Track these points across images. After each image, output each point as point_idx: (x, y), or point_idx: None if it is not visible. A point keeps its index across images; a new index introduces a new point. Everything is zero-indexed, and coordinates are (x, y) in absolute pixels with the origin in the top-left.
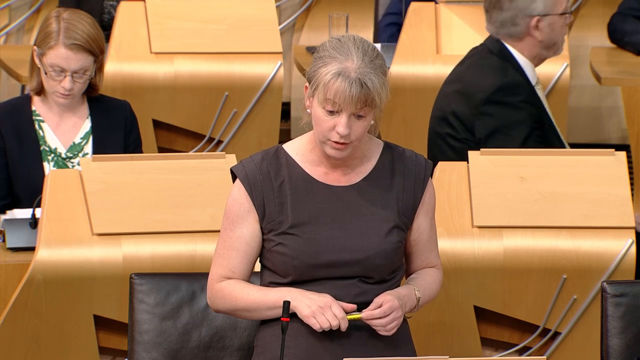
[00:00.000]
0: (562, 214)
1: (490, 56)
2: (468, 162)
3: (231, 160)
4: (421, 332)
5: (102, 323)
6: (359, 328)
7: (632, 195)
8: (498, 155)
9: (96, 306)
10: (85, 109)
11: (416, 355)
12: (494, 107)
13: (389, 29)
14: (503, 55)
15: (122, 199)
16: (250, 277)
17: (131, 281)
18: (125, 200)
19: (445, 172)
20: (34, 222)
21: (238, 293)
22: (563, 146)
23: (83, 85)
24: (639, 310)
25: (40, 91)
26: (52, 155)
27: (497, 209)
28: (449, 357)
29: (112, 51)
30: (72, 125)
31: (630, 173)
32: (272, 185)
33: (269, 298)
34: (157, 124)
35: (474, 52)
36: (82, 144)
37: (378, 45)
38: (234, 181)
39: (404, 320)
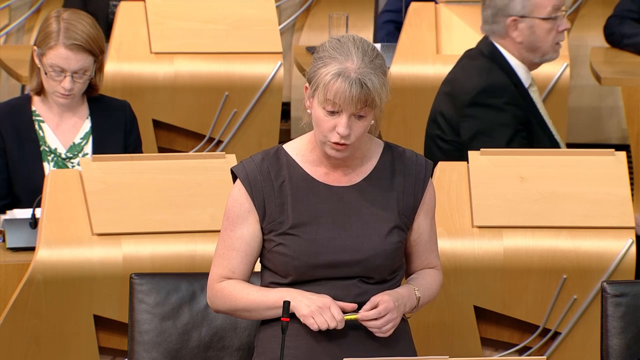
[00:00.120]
0: (562, 214)
1: (480, 57)
2: (468, 162)
3: (231, 160)
4: (421, 332)
5: (102, 323)
6: (358, 328)
7: (632, 195)
8: (498, 155)
9: (96, 306)
10: (85, 109)
11: (416, 355)
12: (477, 110)
13: (387, 26)
14: (493, 56)
15: (122, 199)
16: (251, 278)
17: (131, 281)
18: (125, 200)
19: (445, 172)
20: (34, 222)
21: (238, 293)
22: (557, 147)
23: (83, 86)
24: (639, 310)
25: (40, 91)
26: (52, 155)
27: (497, 209)
28: (449, 357)
29: (112, 51)
30: (72, 126)
31: (630, 173)
32: (272, 185)
33: (268, 298)
34: (157, 124)
35: (467, 53)
36: (82, 144)
37: (378, 46)
38: (234, 181)
39: (404, 320)
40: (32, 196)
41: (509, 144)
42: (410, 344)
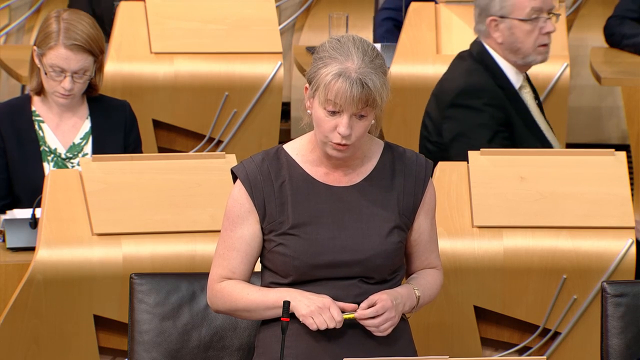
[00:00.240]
0: (562, 214)
1: (468, 58)
2: (468, 162)
3: (231, 160)
4: (421, 332)
5: (102, 323)
6: (358, 328)
7: (632, 195)
8: (498, 155)
9: (96, 306)
10: (85, 109)
11: (416, 355)
12: (457, 111)
13: (386, 24)
14: (480, 57)
15: (122, 199)
16: (251, 278)
17: (131, 281)
18: (125, 200)
19: (445, 172)
20: (34, 222)
21: (238, 293)
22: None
23: (83, 86)
24: (639, 310)
25: (40, 91)
26: (52, 155)
27: (497, 209)
28: (449, 357)
29: (112, 51)
30: (71, 126)
31: (630, 173)
32: (272, 185)
33: (268, 298)
34: (157, 124)
35: (459, 54)
36: (82, 144)
37: (378, 45)
38: (234, 182)
39: (404, 320)
40: (32, 196)
41: (488, 145)
42: (410, 344)
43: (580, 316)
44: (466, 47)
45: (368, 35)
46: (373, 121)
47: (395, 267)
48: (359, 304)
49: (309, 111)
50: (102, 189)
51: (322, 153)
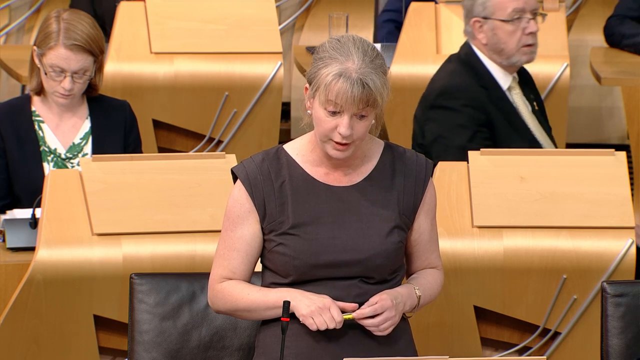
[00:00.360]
0: (562, 214)
1: (455, 60)
2: (468, 162)
3: (231, 160)
4: (421, 332)
5: (102, 323)
6: (359, 328)
7: (632, 195)
8: (498, 155)
9: (96, 306)
10: (85, 109)
11: (417, 355)
12: (437, 112)
13: (387, 25)
14: (467, 58)
15: (122, 199)
16: (252, 278)
17: (131, 281)
18: (125, 200)
19: (445, 172)
20: (34, 222)
21: (238, 293)
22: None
23: (83, 86)
24: (639, 310)
25: (40, 91)
26: (52, 155)
27: (497, 209)
28: (449, 357)
29: (112, 51)
30: (71, 126)
31: (630, 173)
32: (272, 185)
33: (268, 298)
34: (157, 124)
35: (449, 57)
36: (82, 144)
37: (378, 45)
38: (234, 182)
39: (405, 320)
40: (32, 196)
41: (468, 145)
42: (410, 344)
43: (580, 316)
44: None
45: (368, 35)
46: (373, 121)
47: (395, 267)
48: (359, 304)
49: (309, 111)
50: (102, 189)
51: (322, 153)
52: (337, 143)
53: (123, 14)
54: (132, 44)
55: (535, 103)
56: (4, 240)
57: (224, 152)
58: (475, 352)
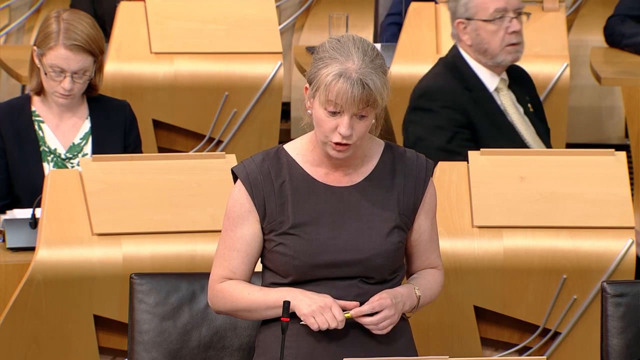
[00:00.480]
0: (562, 214)
1: (441, 62)
2: (468, 162)
3: (231, 160)
4: (421, 332)
5: (102, 323)
6: (359, 327)
7: (632, 195)
8: (498, 155)
9: (96, 306)
10: (84, 109)
11: (417, 355)
12: (417, 114)
13: (390, 28)
14: (453, 60)
15: (122, 199)
16: (252, 278)
17: (131, 281)
18: (125, 200)
19: (445, 172)
20: (34, 222)
21: (238, 293)
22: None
23: (83, 86)
24: (639, 310)
25: (40, 91)
26: (52, 155)
27: (497, 209)
28: (449, 357)
29: (112, 51)
30: (71, 126)
31: (630, 173)
32: (272, 185)
33: (269, 298)
34: (157, 124)
35: (439, 59)
36: (82, 144)
37: (378, 45)
38: (234, 182)
39: (405, 320)
40: (32, 196)
41: (445, 147)
42: (410, 343)
43: (580, 316)
44: None
45: (368, 35)
46: (373, 121)
47: (395, 267)
48: (360, 304)
49: (309, 111)
50: (102, 189)
51: (322, 153)
52: (337, 144)
53: (123, 14)
54: (132, 44)
55: (530, 104)
56: (4, 240)
57: (224, 152)
58: (475, 352)
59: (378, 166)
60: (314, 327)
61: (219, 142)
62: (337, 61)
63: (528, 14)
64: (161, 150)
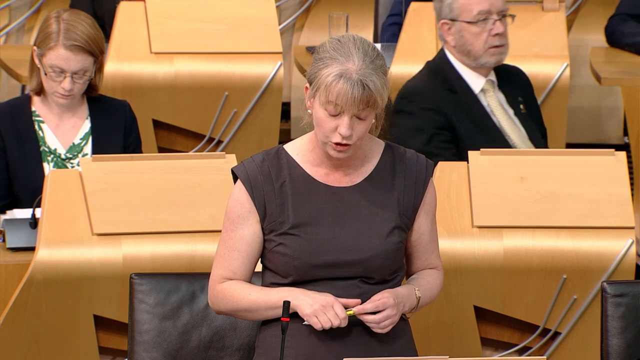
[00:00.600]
0: (562, 214)
1: (427, 64)
2: (468, 162)
3: (231, 160)
4: (421, 332)
5: (102, 323)
6: (360, 327)
7: (632, 195)
8: (498, 155)
9: (96, 306)
10: (85, 110)
11: (417, 355)
12: (398, 117)
13: (391, 28)
14: (439, 62)
15: (122, 199)
16: (252, 278)
17: (131, 281)
18: (125, 200)
19: (445, 172)
20: (34, 222)
21: (239, 294)
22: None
23: (83, 86)
24: (639, 310)
25: (40, 91)
26: (52, 156)
27: (497, 209)
28: (449, 357)
29: (112, 51)
30: (71, 126)
31: (630, 173)
32: (273, 185)
33: (270, 298)
34: (157, 124)
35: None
36: (82, 144)
37: (378, 46)
38: (235, 182)
39: (405, 320)
40: (32, 196)
41: (423, 148)
42: (410, 343)
43: (580, 316)
44: None
45: (368, 35)
46: (373, 121)
47: (395, 268)
48: (361, 303)
49: (309, 111)
50: (102, 189)
51: (322, 153)
52: (337, 144)
53: (123, 14)
54: (132, 44)
55: (522, 105)
56: (4, 240)
57: (224, 152)
58: (475, 352)
59: (378, 166)
60: (317, 326)
61: (219, 142)
62: (337, 61)
63: (513, 16)
64: (161, 150)
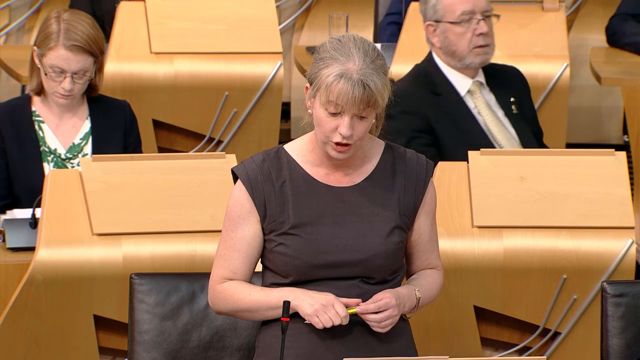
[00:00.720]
0: (562, 214)
1: (414, 67)
2: (468, 162)
3: (231, 160)
4: (421, 332)
5: (102, 323)
6: (360, 326)
7: (632, 195)
8: (498, 155)
9: (96, 306)
10: (85, 110)
11: (417, 355)
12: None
13: (390, 28)
14: (426, 65)
15: (122, 199)
16: (252, 279)
17: (131, 281)
18: (125, 200)
19: (445, 172)
20: (34, 222)
21: (239, 294)
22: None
23: (83, 86)
24: (639, 310)
25: (40, 91)
26: (52, 156)
27: (497, 209)
28: (449, 357)
29: (112, 51)
30: (71, 126)
31: (630, 173)
32: (273, 185)
33: (270, 298)
34: (157, 124)
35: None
36: (82, 144)
37: (378, 45)
38: (235, 182)
39: (406, 320)
40: (32, 196)
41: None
42: (411, 343)
43: (580, 316)
44: None
45: (368, 35)
46: (374, 121)
47: (395, 268)
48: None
49: (309, 111)
50: (102, 189)
51: (322, 153)
52: (337, 144)
53: (123, 14)
54: (132, 44)
55: (514, 106)
56: (4, 240)
57: (224, 152)
58: (475, 352)
59: (378, 166)
60: (319, 326)
61: (219, 142)
62: (338, 61)
63: (498, 16)
64: (161, 150)
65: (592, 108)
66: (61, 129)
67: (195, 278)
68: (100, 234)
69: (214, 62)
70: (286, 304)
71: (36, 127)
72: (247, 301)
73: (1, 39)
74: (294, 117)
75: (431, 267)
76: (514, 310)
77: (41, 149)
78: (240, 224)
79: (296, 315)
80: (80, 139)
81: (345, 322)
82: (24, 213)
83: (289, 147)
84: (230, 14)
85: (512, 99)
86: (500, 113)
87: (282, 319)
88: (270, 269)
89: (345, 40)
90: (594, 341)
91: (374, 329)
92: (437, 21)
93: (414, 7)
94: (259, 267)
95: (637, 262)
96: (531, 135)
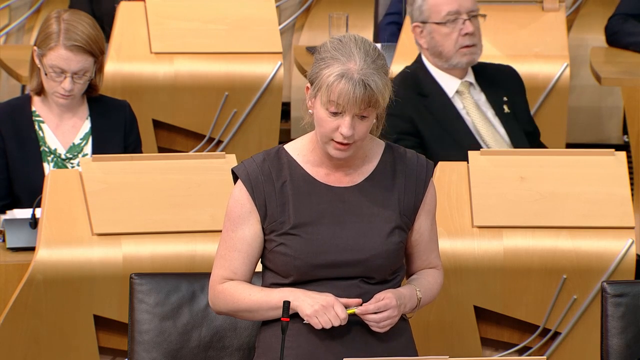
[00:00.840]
0: (562, 214)
1: (404, 69)
2: (468, 162)
3: (231, 160)
4: (421, 332)
5: (102, 323)
6: (360, 328)
7: (632, 195)
8: (498, 155)
9: (96, 306)
10: (85, 110)
11: (417, 355)
12: None
13: (389, 28)
14: (414, 66)
15: (122, 199)
16: (252, 279)
17: (131, 281)
18: (125, 200)
19: (445, 172)
20: (34, 222)
21: (240, 294)
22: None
23: (83, 86)
24: (639, 310)
25: (40, 91)
26: (52, 156)
27: (497, 209)
28: (449, 357)
29: (112, 51)
30: (71, 126)
31: (630, 173)
32: (273, 185)
33: (271, 298)
34: (157, 124)
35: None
36: (82, 144)
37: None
38: (235, 182)
39: (406, 320)
40: (32, 196)
41: None
42: (411, 343)
43: (580, 316)
44: None
45: (368, 35)
46: (374, 120)
47: (395, 268)
48: (362, 303)
49: (310, 111)
50: (102, 189)
51: (323, 153)
52: (338, 143)
53: (123, 14)
54: (132, 44)
55: (506, 105)
56: (4, 240)
57: (224, 152)
58: (475, 352)
59: (379, 166)
60: (318, 326)
61: (219, 142)
62: (338, 61)
63: (484, 16)
64: (161, 150)
65: (592, 108)
66: (61, 129)
67: (195, 278)
68: (100, 234)
69: (214, 62)
70: (286, 304)
71: (36, 127)
72: (248, 301)
73: (1, 39)
74: (294, 117)
75: (431, 267)
76: (514, 310)
77: (41, 149)
78: (241, 224)
79: (296, 316)
80: (80, 139)
81: (344, 323)
82: (24, 213)
83: (289, 147)
84: (230, 14)
85: (504, 99)
86: (490, 113)
87: (282, 319)
88: (271, 269)
89: (346, 40)
90: (594, 341)
91: (373, 328)
92: (423, 22)
93: None
94: (259, 267)
95: (637, 262)
96: (522, 134)
